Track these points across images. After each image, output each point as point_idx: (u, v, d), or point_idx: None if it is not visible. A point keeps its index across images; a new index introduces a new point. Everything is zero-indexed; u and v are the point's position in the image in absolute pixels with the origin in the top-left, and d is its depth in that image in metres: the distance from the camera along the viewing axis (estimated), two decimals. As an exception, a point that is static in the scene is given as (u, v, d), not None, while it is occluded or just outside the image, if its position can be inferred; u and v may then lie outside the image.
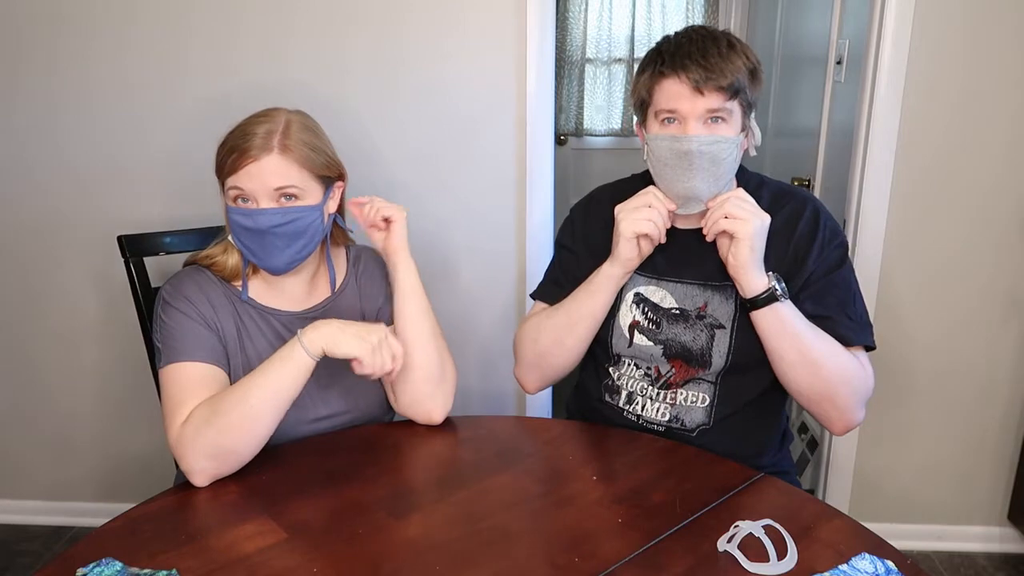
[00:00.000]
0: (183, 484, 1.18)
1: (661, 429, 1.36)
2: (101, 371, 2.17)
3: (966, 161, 1.92)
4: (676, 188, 1.25)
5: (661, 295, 1.35)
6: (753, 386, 1.34)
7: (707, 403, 1.34)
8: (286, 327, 1.33)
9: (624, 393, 1.39)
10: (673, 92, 1.21)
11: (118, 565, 0.97)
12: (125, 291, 1.56)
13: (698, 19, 3.87)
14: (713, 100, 1.20)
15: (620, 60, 4.04)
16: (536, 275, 1.73)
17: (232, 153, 1.21)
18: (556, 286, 1.44)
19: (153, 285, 1.56)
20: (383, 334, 1.22)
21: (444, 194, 2.01)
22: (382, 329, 1.23)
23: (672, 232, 1.31)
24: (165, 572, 0.96)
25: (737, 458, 1.25)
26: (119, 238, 1.55)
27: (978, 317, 2.03)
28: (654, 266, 1.35)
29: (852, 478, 2.16)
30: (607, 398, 1.41)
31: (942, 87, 1.88)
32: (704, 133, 1.21)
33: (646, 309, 1.36)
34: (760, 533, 1.02)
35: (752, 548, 1.00)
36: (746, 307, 1.26)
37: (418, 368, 1.33)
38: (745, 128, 1.26)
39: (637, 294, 1.37)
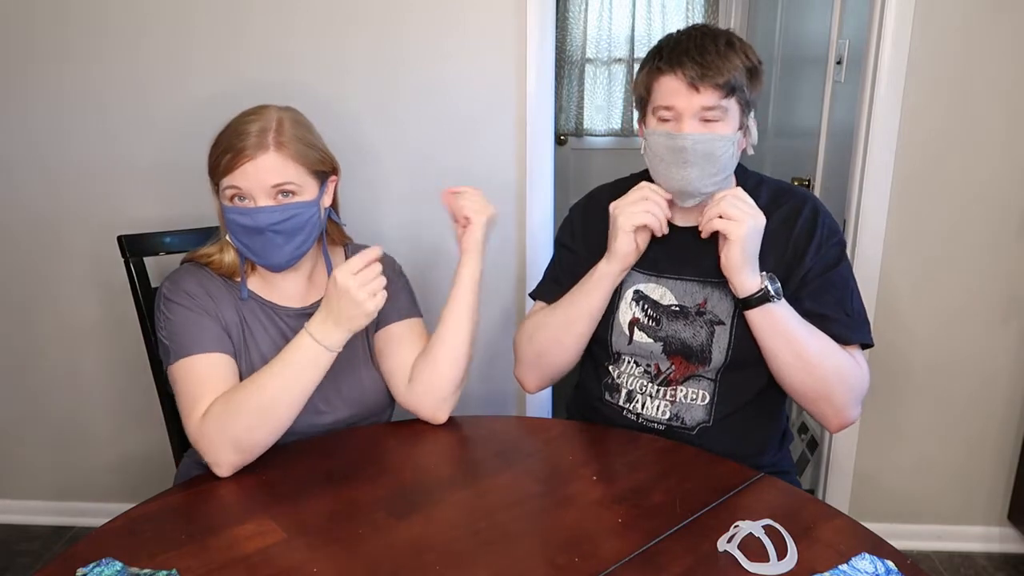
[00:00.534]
0: (183, 484, 1.19)
1: (661, 428, 1.36)
2: (101, 371, 2.17)
3: (966, 161, 1.93)
4: (671, 182, 1.26)
5: (660, 292, 1.36)
6: (753, 383, 1.34)
7: (707, 401, 1.35)
8: (288, 324, 1.33)
9: (624, 391, 1.39)
10: (670, 88, 1.22)
11: (118, 565, 0.97)
12: (125, 291, 1.56)
13: (698, 19, 3.87)
14: (709, 97, 1.21)
15: (620, 60, 4.04)
16: (536, 275, 1.73)
17: (227, 153, 1.21)
18: (556, 285, 1.44)
19: (153, 285, 1.55)
20: (360, 280, 1.15)
21: (444, 194, 2.01)
22: (353, 279, 1.15)
23: (671, 229, 1.32)
24: (165, 572, 0.96)
25: (737, 458, 1.25)
26: (119, 238, 1.55)
27: (978, 316, 2.03)
28: (653, 263, 1.36)
29: (852, 478, 2.16)
30: (607, 397, 1.41)
31: (942, 87, 1.88)
32: (699, 130, 1.22)
33: (646, 306, 1.36)
34: (760, 533, 1.02)
35: (752, 548, 1.00)
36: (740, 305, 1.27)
37: (442, 360, 1.32)
38: (743, 127, 1.27)
39: (636, 291, 1.37)
